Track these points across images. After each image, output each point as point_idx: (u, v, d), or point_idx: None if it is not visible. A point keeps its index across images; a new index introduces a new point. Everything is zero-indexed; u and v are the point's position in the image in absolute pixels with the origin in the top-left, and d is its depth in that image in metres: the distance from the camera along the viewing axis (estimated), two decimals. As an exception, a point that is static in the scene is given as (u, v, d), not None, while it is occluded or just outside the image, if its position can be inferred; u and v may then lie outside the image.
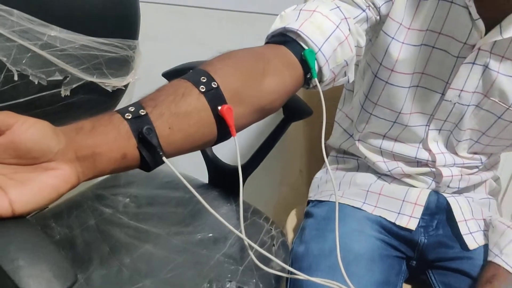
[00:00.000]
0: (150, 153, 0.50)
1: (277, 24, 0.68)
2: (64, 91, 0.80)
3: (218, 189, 1.01)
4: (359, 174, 0.94)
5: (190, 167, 1.00)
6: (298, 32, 0.65)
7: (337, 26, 0.67)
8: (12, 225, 0.43)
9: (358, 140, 0.93)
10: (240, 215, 0.54)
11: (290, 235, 1.02)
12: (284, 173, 1.33)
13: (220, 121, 0.55)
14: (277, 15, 0.71)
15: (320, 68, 0.66)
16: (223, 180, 1.02)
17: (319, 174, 1.03)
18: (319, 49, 0.65)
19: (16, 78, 0.74)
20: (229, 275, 0.81)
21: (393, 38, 0.77)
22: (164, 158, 0.50)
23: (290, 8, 0.71)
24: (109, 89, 0.87)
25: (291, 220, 1.08)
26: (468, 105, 0.82)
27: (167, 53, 1.16)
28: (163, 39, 1.26)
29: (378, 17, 0.75)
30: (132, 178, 1.02)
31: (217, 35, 1.26)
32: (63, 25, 0.77)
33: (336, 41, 0.67)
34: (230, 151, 0.76)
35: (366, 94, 0.86)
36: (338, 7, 0.70)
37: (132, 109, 0.50)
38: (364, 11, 0.72)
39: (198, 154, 1.00)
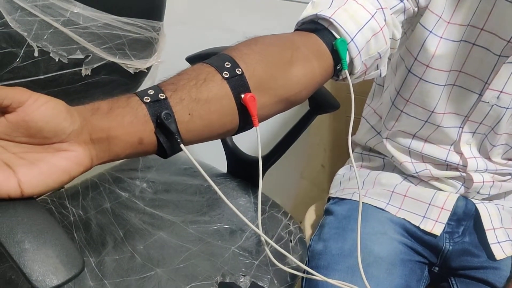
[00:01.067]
0: (167, 139, 0.48)
1: (308, 11, 0.65)
2: (85, 70, 0.79)
3: (237, 180, 0.99)
4: (384, 174, 0.91)
5: (208, 155, 0.99)
6: (330, 20, 0.61)
7: (372, 16, 0.63)
8: (20, 206, 0.42)
9: (386, 138, 0.89)
10: (258, 211, 0.52)
11: (308, 231, 0.99)
12: (306, 166, 1.30)
13: (243, 109, 0.52)
14: (307, 2, 0.67)
15: (351, 60, 0.63)
16: (242, 171, 1.00)
17: (342, 171, 0.99)
18: (352, 39, 0.61)
19: (36, 54, 0.72)
20: (244, 269, 0.79)
21: (430, 31, 0.73)
22: (182, 146, 0.48)
23: None
24: (131, 70, 0.85)
25: (310, 216, 1.05)
26: (507, 108, 0.77)
27: (192, 37, 1.14)
28: (189, 22, 1.24)
29: (416, 9, 0.71)
30: (150, 162, 1.01)
31: (244, 21, 1.23)
32: (87, 2, 0.75)
33: (370, 32, 0.63)
34: (251, 141, 0.73)
35: (398, 90, 0.82)
36: None
37: (151, 92, 0.48)
38: (401, 1, 0.68)
39: (217, 143, 0.98)
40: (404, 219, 0.85)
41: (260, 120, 0.54)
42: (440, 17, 0.72)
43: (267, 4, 1.21)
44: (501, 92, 0.76)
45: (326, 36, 0.61)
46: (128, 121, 0.46)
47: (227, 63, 0.52)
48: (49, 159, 0.42)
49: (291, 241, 0.88)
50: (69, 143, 0.43)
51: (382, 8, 0.65)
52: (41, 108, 0.41)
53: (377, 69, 0.69)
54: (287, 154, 0.97)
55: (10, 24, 0.69)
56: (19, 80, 0.73)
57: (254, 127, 0.54)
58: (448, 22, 0.72)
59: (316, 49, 0.60)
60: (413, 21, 0.75)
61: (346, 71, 0.62)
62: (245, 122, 0.54)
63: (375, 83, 0.94)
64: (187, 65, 0.94)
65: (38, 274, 0.39)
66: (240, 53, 0.54)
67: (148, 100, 0.47)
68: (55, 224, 0.43)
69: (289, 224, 0.91)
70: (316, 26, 0.63)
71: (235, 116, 0.53)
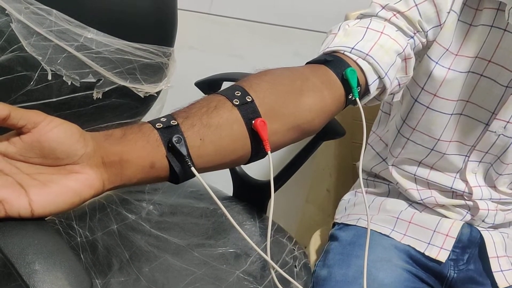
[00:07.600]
0: (179, 163, 0.49)
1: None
2: (96, 94, 0.80)
3: (243, 203, 0.99)
4: (389, 200, 0.91)
5: (214, 178, 0.99)
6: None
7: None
8: (31, 227, 0.43)
9: (392, 165, 0.90)
10: (268, 236, 0.52)
11: (312, 257, 0.99)
12: (311, 191, 1.30)
13: (254, 136, 0.53)
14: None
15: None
16: (248, 195, 1.01)
17: (347, 196, 1.00)
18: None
19: (50, 77, 0.74)
20: (248, 294, 0.79)
21: (437, 63, 0.74)
22: (193, 169, 0.49)
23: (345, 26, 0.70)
24: (141, 94, 0.87)
25: (315, 241, 1.05)
26: None
27: (202, 63, 1.16)
28: (199, 48, 1.26)
29: (424, 41, 0.72)
30: (157, 184, 1.01)
31: (253, 47, 1.25)
32: (100, 27, 0.77)
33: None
34: (257, 165, 0.74)
35: (404, 119, 0.83)
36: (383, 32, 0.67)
37: (163, 119, 0.49)
38: (412, 37, 0.70)
39: (224, 166, 0.99)
40: (408, 245, 0.85)
41: (273, 149, 0.55)
42: (447, 50, 0.73)
43: (274, 30, 1.23)
44: (508, 122, 0.77)
45: (336, 66, 0.62)
46: (140, 145, 0.47)
47: (237, 92, 0.54)
48: (60, 180, 0.43)
49: (295, 266, 0.88)
50: (81, 165, 0.44)
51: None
52: (55, 130, 0.43)
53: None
54: (292, 178, 0.97)
55: (26, 48, 0.71)
56: (32, 103, 0.74)
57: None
58: (456, 55, 0.74)
59: (326, 79, 0.61)
60: (420, 54, 0.76)
61: (358, 99, 0.63)
62: (258, 148, 0.54)
63: (381, 111, 0.95)
64: (196, 90, 0.96)
65: (48, 295, 0.39)
66: (250, 83, 0.55)
67: (160, 126, 0.48)
68: (65, 245, 0.44)
69: (294, 249, 0.91)
70: (325, 57, 0.64)
71: (247, 142, 0.53)
